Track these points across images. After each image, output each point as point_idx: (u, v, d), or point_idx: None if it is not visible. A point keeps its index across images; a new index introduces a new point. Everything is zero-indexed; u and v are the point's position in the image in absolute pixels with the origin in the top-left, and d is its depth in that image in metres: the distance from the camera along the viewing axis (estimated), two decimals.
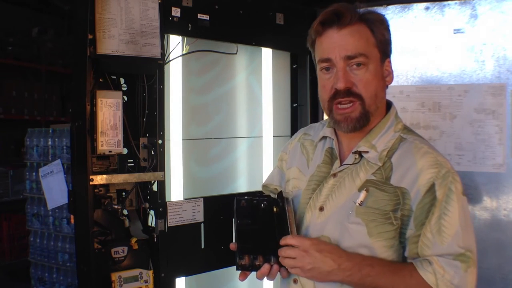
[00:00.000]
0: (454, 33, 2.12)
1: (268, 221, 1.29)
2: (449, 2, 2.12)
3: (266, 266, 1.24)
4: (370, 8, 1.33)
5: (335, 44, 1.24)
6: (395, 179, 1.23)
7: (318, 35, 1.29)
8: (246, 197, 1.34)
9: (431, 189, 1.19)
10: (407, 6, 2.21)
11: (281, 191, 1.38)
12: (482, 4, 2.06)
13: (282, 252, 1.22)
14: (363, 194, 1.25)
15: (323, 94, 1.29)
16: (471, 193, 2.07)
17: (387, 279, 1.19)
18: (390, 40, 1.32)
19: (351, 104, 1.24)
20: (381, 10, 2.24)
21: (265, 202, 1.31)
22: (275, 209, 1.30)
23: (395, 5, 2.23)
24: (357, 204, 1.24)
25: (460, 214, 1.19)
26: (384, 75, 1.30)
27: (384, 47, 1.29)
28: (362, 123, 1.26)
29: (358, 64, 1.23)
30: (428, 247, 1.19)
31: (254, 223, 1.29)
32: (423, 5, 2.18)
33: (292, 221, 1.29)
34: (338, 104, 1.25)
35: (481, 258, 2.04)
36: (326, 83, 1.27)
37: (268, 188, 1.62)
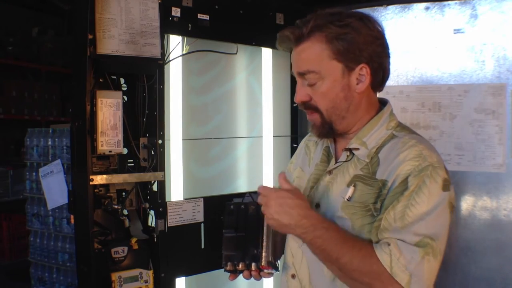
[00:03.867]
0: (454, 33, 2.12)
1: (253, 226, 1.34)
2: (449, 2, 2.12)
3: (246, 273, 1.34)
4: (358, 10, 1.34)
5: (293, 61, 1.32)
6: (380, 173, 1.24)
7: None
8: (235, 201, 1.39)
9: (405, 180, 1.19)
10: (407, 6, 2.21)
11: None
12: (482, 4, 2.06)
13: (260, 196, 1.24)
14: (351, 189, 1.26)
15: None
16: (471, 193, 2.07)
17: (336, 245, 1.17)
18: (360, 43, 1.23)
19: (312, 114, 1.31)
20: (381, 10, 2.24)
21: (252, 206, 1.35)
22: (261, 213, 1.31)
23: (395, 5, 2.23)
24: (345, 199, 1.26)
25: (430, 209, 1.17)
26: (354, 83, 1.26)
27: (348, 55, 1.23)
28: (327, 131, 1.31)
29: (311, 80, 1.28)
30: (387, 230, 1.17)
31: (238, 230, 1.35)
32: (423, 5, 2.17)
33: (268, 230, 1.32)
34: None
35: (481, 258, 2.05)
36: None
37: None
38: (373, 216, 1.22)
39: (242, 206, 1.36)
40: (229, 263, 1.35)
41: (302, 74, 1.29)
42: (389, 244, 1.15)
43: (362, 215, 1.23)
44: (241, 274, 1.36)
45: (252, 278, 1.36)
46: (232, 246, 1.35)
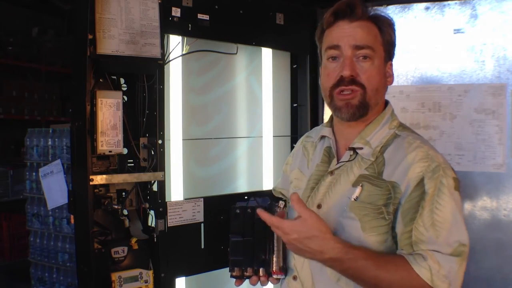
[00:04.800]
0: (454, 33, 2.12)
1: (260, 231, 1.31)
2: (449, 2, 2.12)
3: (254, 278, 1.33)
4: (376, 8, 1.36)
5: (345, 33, 1.29)
6: (387, 174, 1.25)
7: (329, 26, 1.33)
8: (241, 204, 1.36)
9: (421, 183, 1.19)
10: (407, 6, 2.21)
11: (272, 201, 1.40)
12: (482, 4, 2.06)
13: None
14: (358, 189, 1.26)
15: (327, 82, 1.31)
16: (471, 193, 2.07)
17: (370, 272, 1.16)
18: (395, 44, 1.36)
19: (351, 92, 1.27)
20: (381, 10, 2.23)
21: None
22: None
23: (395, 5, 2.23)
24: (353, 199, 1.26)
25: (453, 208, 1.19)
26: (386, 75, 1.34)
27: (389, 48, 1.34)
28: (361, 112, 1.29)
29: (365, 57, 1.27)
30: (423, 241, 1.17)
31: (246, 235, 1.32)
32: (423, 5, 2.18)
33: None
34: (340, 91, 1.28)
35: (481, 258, 2.05)
36: (331, 72, 1.30)
37: (276, 191, 1.71)
38: (385, 219, 1.22)
39: (249, 210, 1.33)
40: (236, 269, 1.32)
41: (359, 47, 1.27)
42: (425, 258, 1.16)
43: (373, 217, 1.23)
44: (247, 280, 1.35)
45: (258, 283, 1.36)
46: (240, 251, 1.32)
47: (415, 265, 1.15)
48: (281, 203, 1.36)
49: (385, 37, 1.32)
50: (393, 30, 1.35)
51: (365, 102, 1.28)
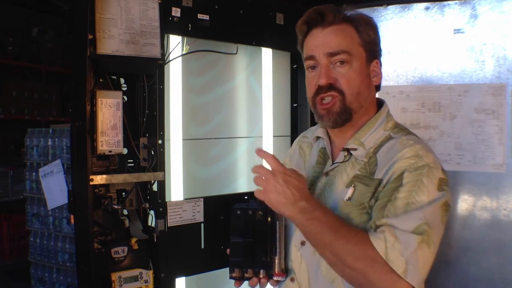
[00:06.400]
0: (454, 33, 2.11)
1: (261, 232, 1.31)
2: (449, 2, 2.12)
3: (254, 280, 1.31)
4: (359, 10, 1.34)
5: (319, 42, 1.29)
6: (377, 173, 1.25)
7: (304, 36, 1.33)
8: (242, 206, 1.35)
9: (400, 176, 1.19)
10: (407, 6, 2.20)
11: None
12: (482, 4, 2.06)
13: (255, 169, 1.22)
14: (350, 190, 1.26)
15: (308, 92, 1.33)
16: (471, 193, 2.07)
17: (331, 229, 1.15)
18: (378, 42, 1.34)
19: (331, 99, 1.27)
20: (381, 10, 2.24)
21: (260, 212, 1.32)
22: (269, 219, 1.31)
23: (395, 5, 2.23)
24: (345, 200, 1.26)
25: (427, 202, 1.16)
26: (371, 75, 1.32)
27: (370, 48, 1.31)
28: (344, 118, 1.28)
29: (342, 62, 1.27)
30: (383, 217, 1.16)
31: (246, 236, 1.32)
32: (423, 5, 2.17)
33: (281, 235, 1.31)
34: (321, 99, 1.28)
35: (481, 258, 2.05)
36: (311, 81, 1.31)
37: None
38: (369, 214, 1.22)
39: (250, 211, 1.32)
40: (236, 270, 1.31)
41: (333, 54, 1.26)
42: (384, 231, 1.13)
43: (358, 214, 1.23)
44: (247, 281, 1.33)
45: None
46: (240, 252, 1.31)
47: (372, 235, 1.14)
48: None
49: (363, 37, 1.29)
50: (373, 28, 1.32)
51: (346, 107, 1.27)
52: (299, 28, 1.34)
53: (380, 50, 1.35)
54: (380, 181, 1.22)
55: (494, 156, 2.04)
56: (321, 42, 1.28)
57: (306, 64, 1.32)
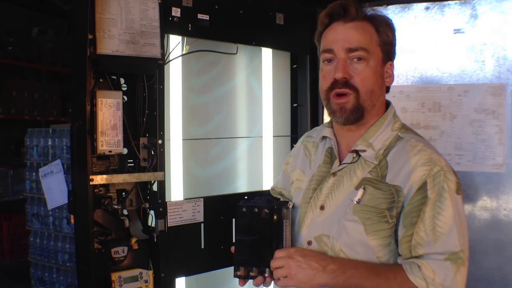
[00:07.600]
0: (454, 33, 2.12)
1: (266, 231, 1.30)
2: (449, 2, 2.12)
3: (259, 278, 1.31)
4: (376, 8, 1.36)
5: (338, 36, 1.28)
6: (390, 177, 1.25)
7: (325, 28, 1.33)
8: (247, 203, 1.34)
9: (423, 187, 1.20)
10: (407, 6, 2.21)
11: (281, 202, 1.39)
12: (482, 4, 2.06)
13: (272, 264, 1.27)
14: (360, 192, 1.26)
15: (323, 84, 1.32)
16: (471, 193, 2.07)
17: (371, 281, 1.19)
18: (395, 44, 1.35)
19: (347, 96, 1.27)
20: (381, 10, 2.23)
21: (266, 210, 1.31)
22: (275, 217, 1.30)
23: (395, 5, 2.23)
24: (355, 202, 1.26)
25: (455, 213, 1.19)
26: (384, 76, 1.33)
27: (387, 49, 1.32)
28: (356, 116, 1.28)
29: (359, 58, 1.27)
30: (421, 245, 1.19)
31: (252, 234, 1.31)
32: (423, 5, 2.17)
33: (288, 234, 1.31)
34: (336, 94, 1.28)
35: (481, 258, 2.05)
36: (327, 74, 1.30)
37: (275, 191, 1.69)
38: (388, 223, 1.23)
39: (255, 209, 1.31)
40: (242, 268, 1.30)
41: (352, 50, 1.27)
42: (419, 267, 1.17)
43: (377, 221, 1.23)
44: (251, 280, 1.33)
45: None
46: (246, 250, 1.30)
47: (411, 274, 1.17)
48: (290, 204, 1.35)
49: (382, 37, 1.30)
50: (391, 30, 1.33)
51: (360, 105, 1.27)
52: (321, 20, 1.33)
53: (395, 52, 1.36)
54: (398, 188, 1.23)
55: (494, 156, 2.04)
56: (341, 36, 1.28)
57: (323, 56, 1.32)
